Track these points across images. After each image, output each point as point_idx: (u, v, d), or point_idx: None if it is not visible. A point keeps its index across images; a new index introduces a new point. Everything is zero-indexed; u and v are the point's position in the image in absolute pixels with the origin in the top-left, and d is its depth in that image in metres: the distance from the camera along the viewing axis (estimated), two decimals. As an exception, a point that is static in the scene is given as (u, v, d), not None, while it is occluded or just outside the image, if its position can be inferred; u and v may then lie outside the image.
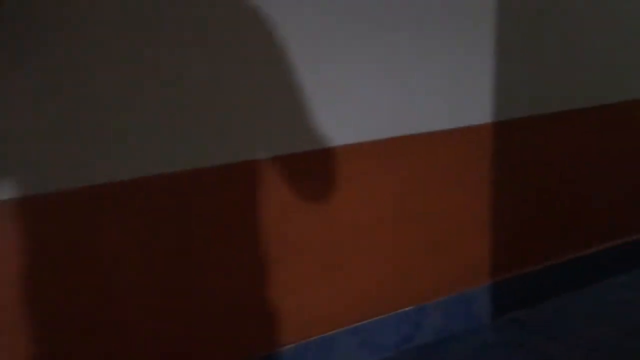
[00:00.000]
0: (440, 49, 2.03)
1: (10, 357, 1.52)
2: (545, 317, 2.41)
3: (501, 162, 2.26)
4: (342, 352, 2.02)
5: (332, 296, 1.99)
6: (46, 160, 1.49)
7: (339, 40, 1.85)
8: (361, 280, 2.04)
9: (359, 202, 1.99)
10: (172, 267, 1.70)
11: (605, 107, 2.50)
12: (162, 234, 1.67)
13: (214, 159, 1.71)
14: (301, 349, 1.94)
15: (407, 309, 2.15)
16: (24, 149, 1.46)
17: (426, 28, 1.99)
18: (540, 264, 2.48)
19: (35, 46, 1.43)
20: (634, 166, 2.69)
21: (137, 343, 1.68)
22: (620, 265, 2.73)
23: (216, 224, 1.75)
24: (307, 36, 1.79)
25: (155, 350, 1.71)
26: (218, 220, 1.75)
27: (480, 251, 2.30)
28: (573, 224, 2.54)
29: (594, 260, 2.62)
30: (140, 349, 1.68)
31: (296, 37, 1.77)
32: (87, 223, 1.56)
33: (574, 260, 2.57)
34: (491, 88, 2.17)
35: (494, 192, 2.28)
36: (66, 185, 1.52)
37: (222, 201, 1.74)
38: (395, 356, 2.14)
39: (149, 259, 1.66)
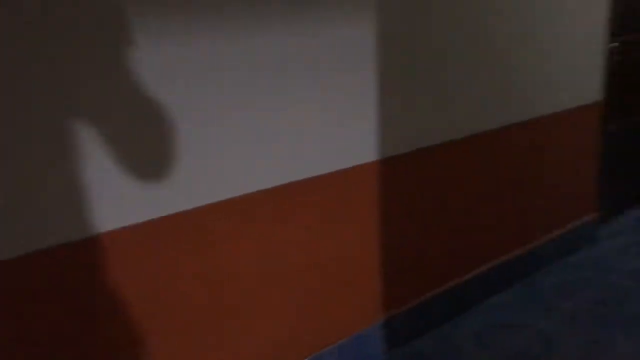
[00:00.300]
0: (323, 92, 2.00)
1: None
2: (438, 345, 2.47)
3: (388, 197, 2.28)
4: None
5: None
6: None
7: (218, 94, 1.75)
8: (252, 342, 1.96)
9: (244, 256, 1.90)
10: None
11: (486, 134, 2.59)
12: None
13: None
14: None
15: (303, 360, 2.11)
16: None
17: (305, 71, 1.94)
18: (429, 292, 2.53)
19: None
20: (511, 189, 2.83)
21: None
22: (501, 284, 2.86)
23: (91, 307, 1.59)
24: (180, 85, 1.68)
25: None
26: (90, 305, 1.59)
27: (372, 289, 2.30)
28: (457, 249, 2.62)
29: (478, 282, 2.72)
30: None
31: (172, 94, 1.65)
32: None
33: (462, 284, 2.65)
34: (376, 126, 2.17)
35: (383, 228, 2.29)
36: None
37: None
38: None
39: None
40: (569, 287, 2.88)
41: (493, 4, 2.48)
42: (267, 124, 1.89)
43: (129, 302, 1.71)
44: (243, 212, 1.90)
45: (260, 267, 1.97)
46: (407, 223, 2.39)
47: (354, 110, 2.10)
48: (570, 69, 2.94)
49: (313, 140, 2.02)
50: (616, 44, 3.30)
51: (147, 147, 1.67)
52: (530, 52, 2.70)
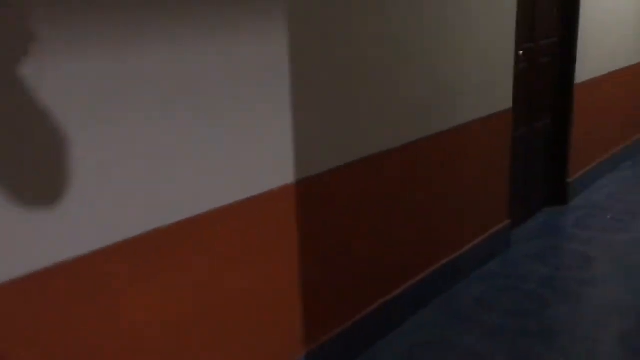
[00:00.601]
0: (233, 114, 1.80)
1: None
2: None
3: (307, 220, 2.10)
4: None
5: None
6: None
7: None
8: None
9: (147, 302, 1.65)
10: None
11: (403, 147, 2.49)
12: None
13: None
14: None
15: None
16: None
17: (214, 92, 1.73)
18: (352, 317, 2.38)
19: None
20: (428, 202, 2.75)
21: None
22: (424, 300, 2.77)
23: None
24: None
25: None
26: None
27: (291, 322, 2.12)
28: (377, 270, 2.50)
29: (400, 301, 2.61)
30: None
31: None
32: None
33: (384, 305, 2.53)
34: (291, 146, 1.99)
35: (302, 253, 2.10)
36: None
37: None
38: None
39: None
40: (488, 299, 2.84)
41: (406, 19, 2.38)
42: (171, 151, 1.66)
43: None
44: (144, 253, 1.64)
45: (165, 313, 1.72)
46: (325, 246, 2.22)
47: (267, 132, 1.91)
48: (483, 79, 2.91)
49: (223, 166, 1.80)
50: (522, 52, 3.33)
51: (32, 174, 1.39)
52: (444, 64, 2.63)
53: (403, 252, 2.62)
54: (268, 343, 2.05)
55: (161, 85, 1.60)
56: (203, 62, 1.69)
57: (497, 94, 3.05)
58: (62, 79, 1.41)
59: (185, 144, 1.68)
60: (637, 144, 5.18)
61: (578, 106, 3.96)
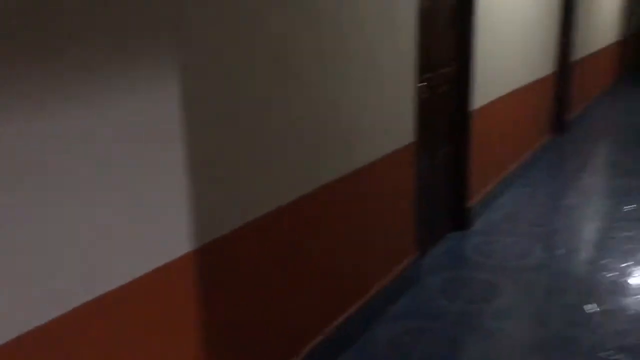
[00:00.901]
0: (114, 180, 1.55)
1: None
2: None
3: (209, 293, 1.88)
4: None
5: None
6: None
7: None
8: None
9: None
10: None
11: (308, 195, 2.33)
12: None
13: None
14: None
15: None
16: None
17: (92, 154, 1.48)
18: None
19: None
20: (338, 248, 2.64)
21: None
22: (340, 347, 2.63)
23: None
24: None
25: None
26: None
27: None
28: (289, 326, 2.33)
29: (316, 352, 2.45)
30: None
31: None
32: None
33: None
34: (186, 210, 1.76)
35: (202, 330, 1.88)
36: None
37: None
38: None
39: None
40: (401, 343, 2.74)
41: (301, 65, 2.22)
42: (39, 232, 1.38)
43: None
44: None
45: None
46: (229, 312, 2.01)
47: (156, 199, 1.67)
48: (386, 115, 2.82)
49: (108, 243, 1.54)
50: (424, 84, 3.28)
51: None
52: (345, 105, 2.50)
53: (313, 304, 2.46)
54: None
55: (13, 156, 1.33)
56: (83, 120, 1.43)
57: (400, 128, 2.98)
58: None
59: (62, 222, 1.41)
60: (528, 161, 5.37)
61: (475, 132, 4.00)
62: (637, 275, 3.35)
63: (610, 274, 3.36)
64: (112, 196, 1.52)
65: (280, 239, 2.21)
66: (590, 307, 2.99)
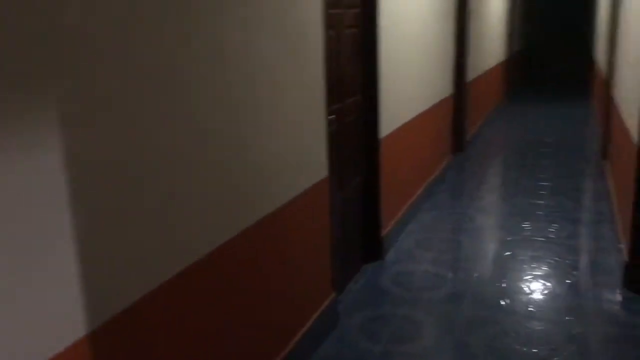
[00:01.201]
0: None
1: None
2: None
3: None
4: None
5: None
6: None
7: None
8: None
9: None
10: None
11: (220, 248, 2.11)
12: None
13: None
14: None
15: None
16: None
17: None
18: None
19: None
20: (256, 298, 2.46)
21: None
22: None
23: None
24: None
25: None
26: None
27: None
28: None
29: None
30: None
31: None
32: None
33: None
34: (76, 289, 1.49)
35: None
36: None
37: None
38: None
39: None
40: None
41: (205, 112, 2.01)
42: None
43: None
44: None
45: None
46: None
47: (37, 281, 1.39)
48: (297, 153, 2.65)
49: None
50: (333, 116, 3.16)
51: None
52: (256, 150, 2.30)
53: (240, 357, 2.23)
54: None
55: None
56: None
57: (312, 165, 2.82)
58: None
59: None
60: (431, 184, 5.42)
61: (384, 159, 3.94)
62: (549, 296, 3.39)
63: (525, 297, 3.38)
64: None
65: (190, 302, 1.96)
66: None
